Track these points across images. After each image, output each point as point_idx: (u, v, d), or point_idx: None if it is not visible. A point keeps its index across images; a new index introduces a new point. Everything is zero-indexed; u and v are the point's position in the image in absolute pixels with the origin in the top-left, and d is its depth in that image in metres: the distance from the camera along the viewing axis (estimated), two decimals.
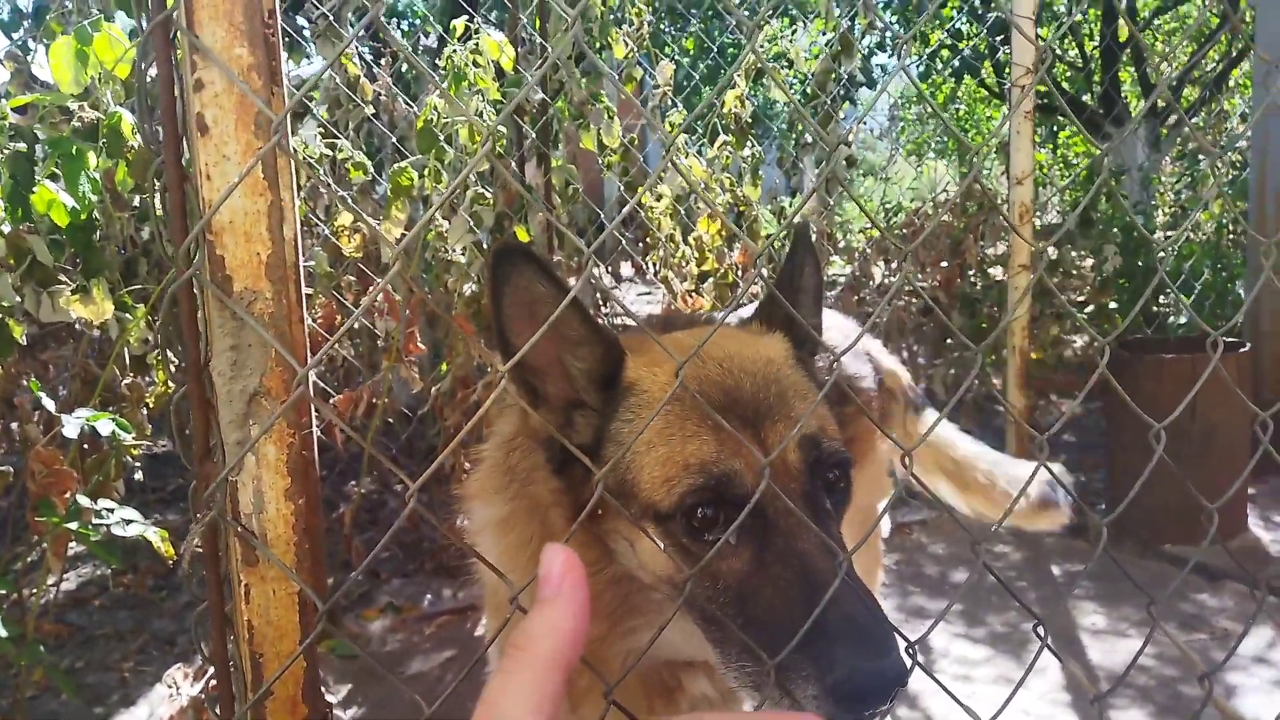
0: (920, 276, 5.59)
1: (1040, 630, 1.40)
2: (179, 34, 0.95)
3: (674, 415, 1.32)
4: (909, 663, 1.16)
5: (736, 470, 1.26)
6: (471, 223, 4.25)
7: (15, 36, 6.28)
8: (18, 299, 2.68)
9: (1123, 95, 12.11)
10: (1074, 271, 6.21)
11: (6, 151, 2.58)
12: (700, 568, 1.24)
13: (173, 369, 3.13)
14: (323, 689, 3.47)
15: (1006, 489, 2.71)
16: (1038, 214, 5.36)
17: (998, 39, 8.38)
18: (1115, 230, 6.18)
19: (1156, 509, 4.28)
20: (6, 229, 2.73)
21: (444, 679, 3.61)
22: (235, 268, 0.98)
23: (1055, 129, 12.73)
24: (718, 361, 1.38)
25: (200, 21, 0.94)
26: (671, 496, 1.27)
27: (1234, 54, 10.85)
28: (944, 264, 5.58)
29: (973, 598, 3.98)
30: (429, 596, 4.31)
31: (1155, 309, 6.35)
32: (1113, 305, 6.18)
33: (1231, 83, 11.84)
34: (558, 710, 0.62)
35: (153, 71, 1.51)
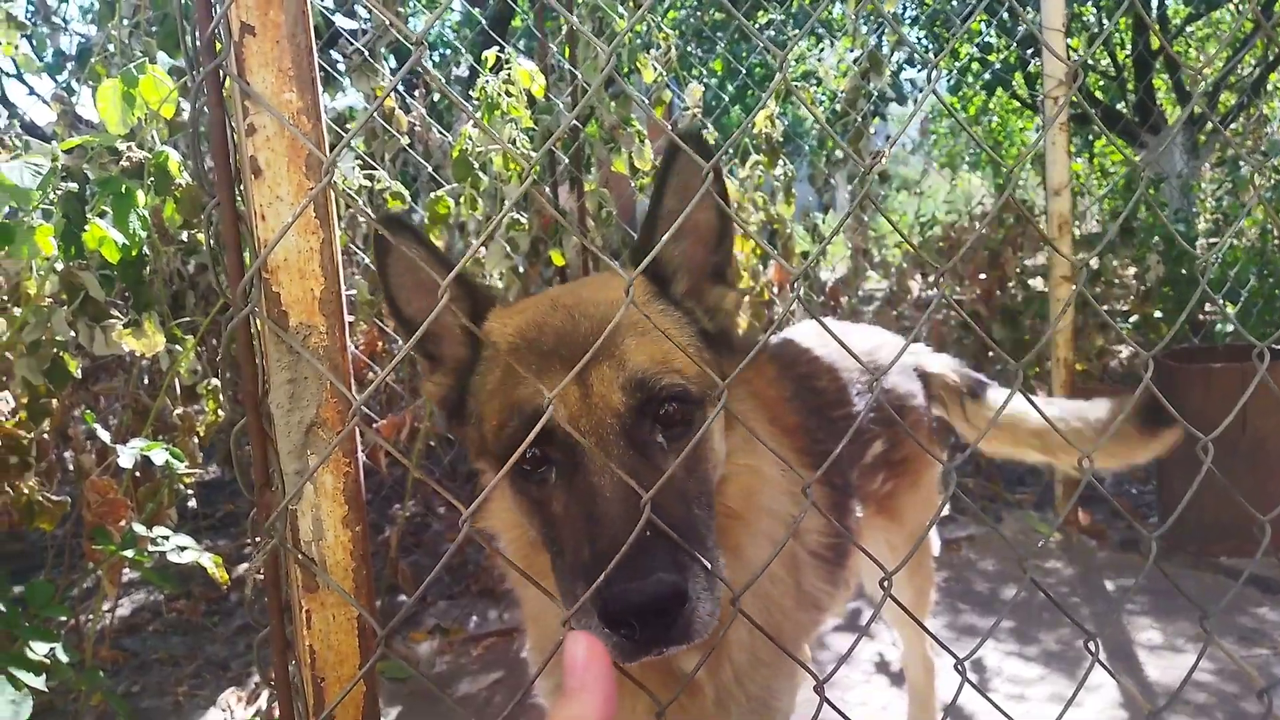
0: (959, 290, 5.55)
1: (1093, 646, 1.39)
2: (230, 79, 0.99)
3: (511, 364, 1.33)
4: (691, 584, 1.16)
5: (543, 407, 1.25)
6: (508, 248, 4.31)
7: (59, 78, 6.49)
8: (72, 334, 2.77)
9: (1158, 102, 11.96)
10: (1116, 281, 6.13)
11: (59, 191, 2.66)
12: (534, 510, 1.29)
13: (222, 398, 3.20)
14: None
15: (1096, 426, 2.48)
16: (1077, 224, 5.31)
17: (1028, 51, 8.32)
18: (1157, 239, 6.09)
19: (1208, 521, 4.19)
20: (59, 266, 2.81)
21: (492, 700, 3.63)
22: (290, 303, 1.02)
23: (1091, 138, 12.59)
24: (565, 308, 1.39)
25: (251, 68, 0.98)
26: (502, 440, 1.31)
27: (1271, 58, 10.67)
28: (982, 276, 5.53)
29: (1024, 615, 3.92)
30: (475, 618, 4.33)
31: (1201, 317, 6.24)
32: (1157, 314, 6.08)
33: (1270, 87, 11.64)
34: None
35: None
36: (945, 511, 2.84)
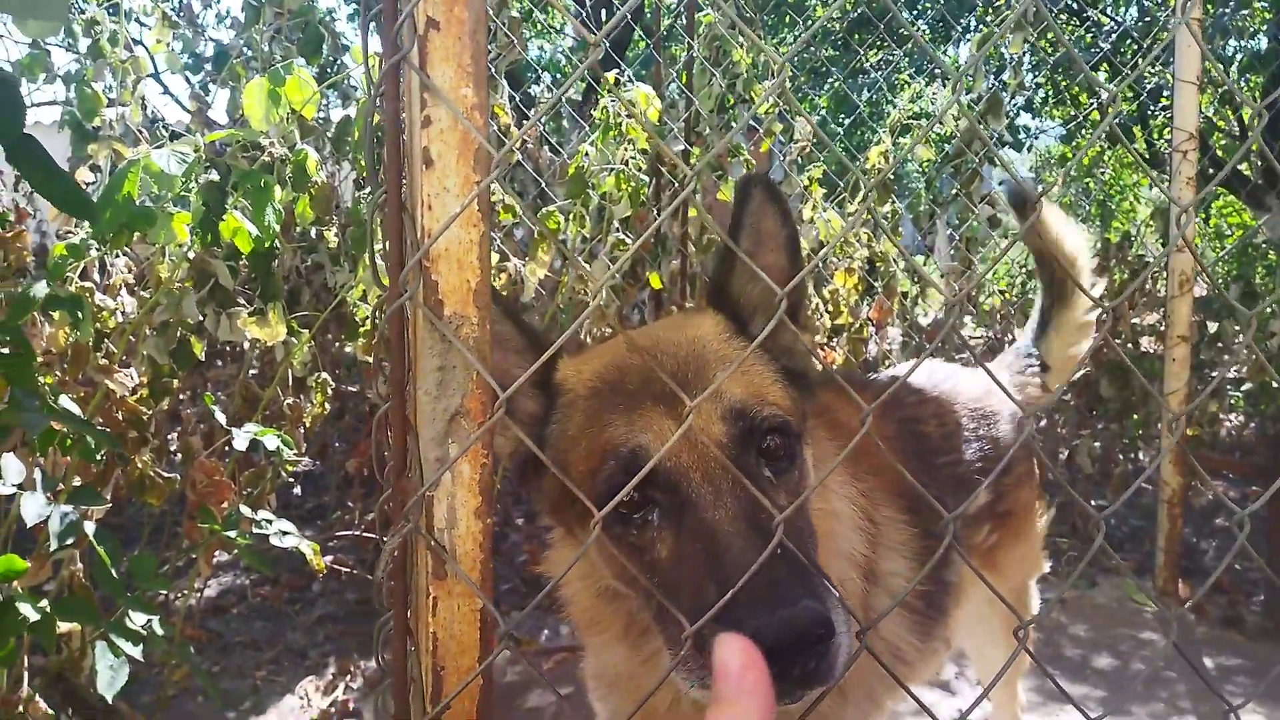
0: None
1: (1233, 718, 1.31)
2: (411, 72, 1.02)
3: (593, 408, 1.30)
4: (829, 612, 1.06)
5: (644, 444, 1.21)
6: (609, 265, 4.35)
7: (195, 79, 6.81)
8: (200, 317, 2.89)
9: None
10: (1233, 346, 5.86)
11: (200, 181, 2.79)
12: (637, 559, 1.20)
13: (330, 391, 3.30)
14: None
15: None
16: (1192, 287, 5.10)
17: (1157, 104, 8.08)
18: (1278, 305, 5.82)
19: None
20: (190, 254, 2.94)
21: (560, 715, 3.62)
22: (447, 293, 1.04)
23: (1207, 198, 12.13)
24: (644, 349, 1.33)
25: (433, 62, 1.01)
26: (597, 486, 1.23)
27: None
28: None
29: (1117, 685, 3.75)
30: (546, 631, 4.34)
31: None
32: (1275, 384, 5.79)
33: None
34: None
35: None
36: (1046, 569, 2.74)
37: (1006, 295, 6.09)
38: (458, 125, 1.01)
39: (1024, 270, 6.31)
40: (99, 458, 2.88)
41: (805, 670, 1.06)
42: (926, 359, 2.49)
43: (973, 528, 2.32)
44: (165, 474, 3.27)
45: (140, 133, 3.81)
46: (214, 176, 2.72)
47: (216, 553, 3.00)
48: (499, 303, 1.27)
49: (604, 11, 10.42)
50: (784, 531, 1.10)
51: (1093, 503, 5.51)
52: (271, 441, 2.73)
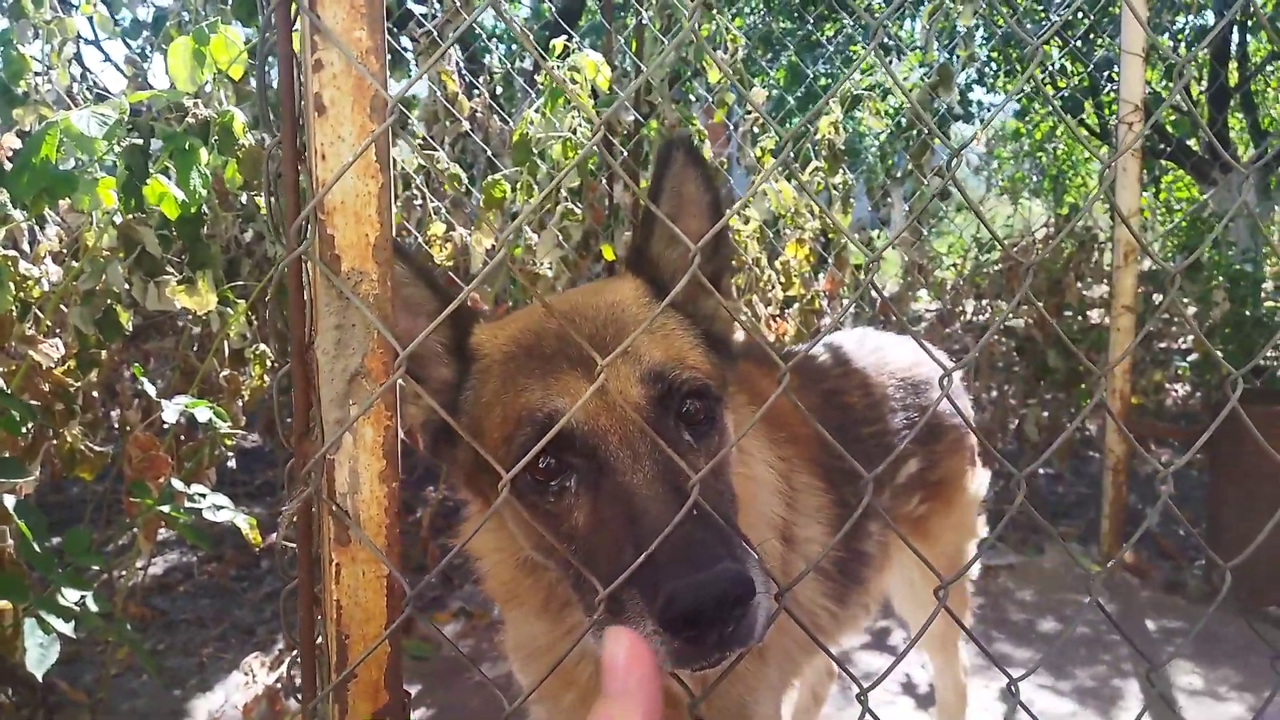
0: (1015, 315, 5.43)
1: (1153, 678, 1.32)
2: (300, 14, 0.97)
3: (508, 372, 1.28)
4: (749, 572, 1.05)
5: (559, 409, 1.19)
6: (560, 237, 4.29)
7: (134, 44, 6.61)
8: (126, 286, 2.79)
9: (1231, 140, 11.66)
10: (1178, 318, 5.96)
11: (122, 145, 2.69)
12: (553, 525, 1.18)
13: (270, 363, 3.22)
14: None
15: None
16: (1137, 259, 5.17)
17: (1103, 76, 8.14)
18: (1222, 277, 5.92)
19: (1260, 567, 4.04)
20: (119, 220, 2.84)
21: (510, 686, 3.59)
22: (344, 247, 0.99)
23: (1158, 173, 12.31)
24: (561, 314, 1.30)
25: (323, 3, 0.96)
26: (512, 452, 1.21)
27: None
28: (1041, 302, 5.41)
29: (1060, 649, 3.81)
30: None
31: (1264, 361, 6.05)
32: (1219, 353, 5.90)
33: None
34: None
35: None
36: (983, 534, 2.77)
37: (959, 268, 6.12)
38: (351, 70, 0.96)
39: (975, 241, 6.35)
40: (24, 431, 2.79)
41: (724, 634, 1.04)
42: (835, 332, 2.48)
43: (902, 497, 2.32)
44: (99, 448, 3.18)
45: (74, 99, 3.67)
46: (138, 140, 2.62)
47: (161, 530, 2.93)
48: (410, 262, 1.24)
49: None
50: (704, 494, 1.07)
51: (1041, 472, 5.59)
52: (204, 414, 2.66)
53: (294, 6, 0.99)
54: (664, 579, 1.01)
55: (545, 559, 1.31)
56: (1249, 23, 11.15)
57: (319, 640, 1.07)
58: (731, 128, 5.16)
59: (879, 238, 7.09)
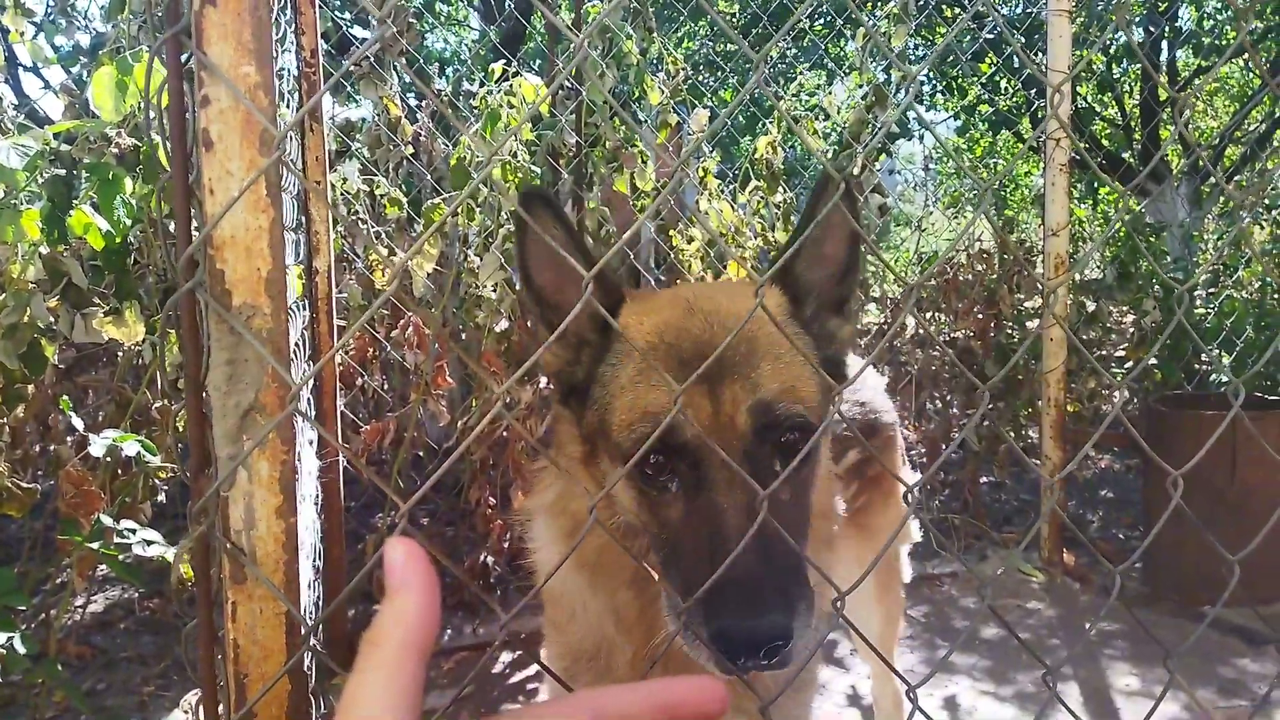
0: (954, 326, 5.53)
1: (1050, 680, 1.35)
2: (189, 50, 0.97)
3: (647, 364, 1.36)
4: (797, 623, 1.18)
5: (679, 422, 1.28)
6: (503, 260, 4.29)
7: (73, 70, 6.51)
8: (52, 320, 2.74)
9: (1163, 152, 12.02)
10: (1112, 326, 6.12)
11: (45, 176, 2.65)
12: (650, 512, 1.32)
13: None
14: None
15: None
16: (1079, 271, 5.30)
17: (1033, 92, 8.35)
18: (1155, 285, 6.08)
19: (1190, 570, 4.15)
20: (44, 250, 2.79)
21: (458, 716, 3.56)
22: (235, 282, 0.99)
23: (1095, 185, 12.63)
24: (703, 314, 1.41)
25: (209, 39, 0.96)
26: (629, 440, 1.33)
27: (1278, 114, 10.72)
28: (978, 314, 5.52)
29: (1002, 655, 3.87)
30: (449, 631, 4.28)
31: (1197, 366, 6.22)
32: (1152, 361, 6.06)
33: (1277, 142, 11.68)
34: (419, 698, 0.61)
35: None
36: (917, 538, 2.81)
37: (900, 282, 6.23)
38: (239, 105, 0.96)
39: (918, 255, 6.46)
40: None
41: (759, 662, 1.17)
42: None
43: (843, 483, 2.37)
44: (28, 485, 3.11)
45: (3, 127, 3.60)
46: (61, 171, 2.58)
47: (101, 567, 2.86)
48: (563, 224, 1.31)
49: (508, 3, 10.31)
50: (781, 521, 1.20)
51: (982, 479, 5.67)
52: (131, 447, 2.61)
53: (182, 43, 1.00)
54: (721, 611, 1.17)
55: (643, 527, 1.39)
56: (1177, 39, 11.54)
57: (220, 681, 1.06)
58: (671, 149, 5.20)
59: None
